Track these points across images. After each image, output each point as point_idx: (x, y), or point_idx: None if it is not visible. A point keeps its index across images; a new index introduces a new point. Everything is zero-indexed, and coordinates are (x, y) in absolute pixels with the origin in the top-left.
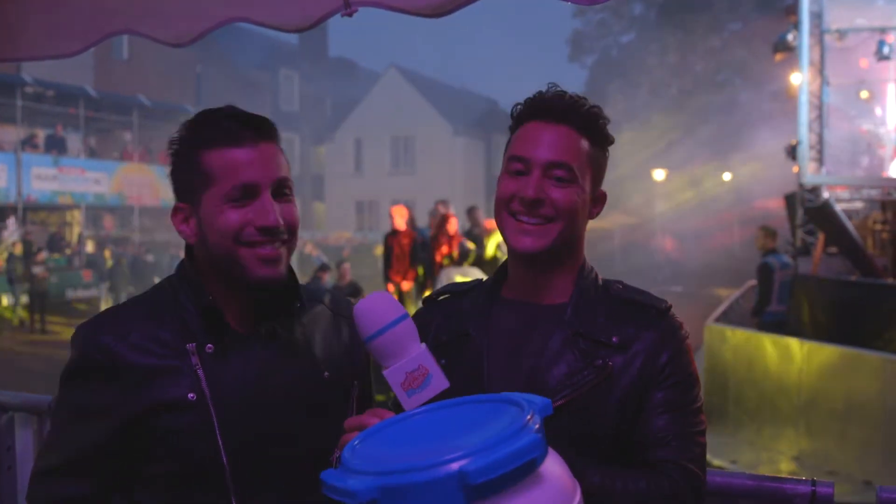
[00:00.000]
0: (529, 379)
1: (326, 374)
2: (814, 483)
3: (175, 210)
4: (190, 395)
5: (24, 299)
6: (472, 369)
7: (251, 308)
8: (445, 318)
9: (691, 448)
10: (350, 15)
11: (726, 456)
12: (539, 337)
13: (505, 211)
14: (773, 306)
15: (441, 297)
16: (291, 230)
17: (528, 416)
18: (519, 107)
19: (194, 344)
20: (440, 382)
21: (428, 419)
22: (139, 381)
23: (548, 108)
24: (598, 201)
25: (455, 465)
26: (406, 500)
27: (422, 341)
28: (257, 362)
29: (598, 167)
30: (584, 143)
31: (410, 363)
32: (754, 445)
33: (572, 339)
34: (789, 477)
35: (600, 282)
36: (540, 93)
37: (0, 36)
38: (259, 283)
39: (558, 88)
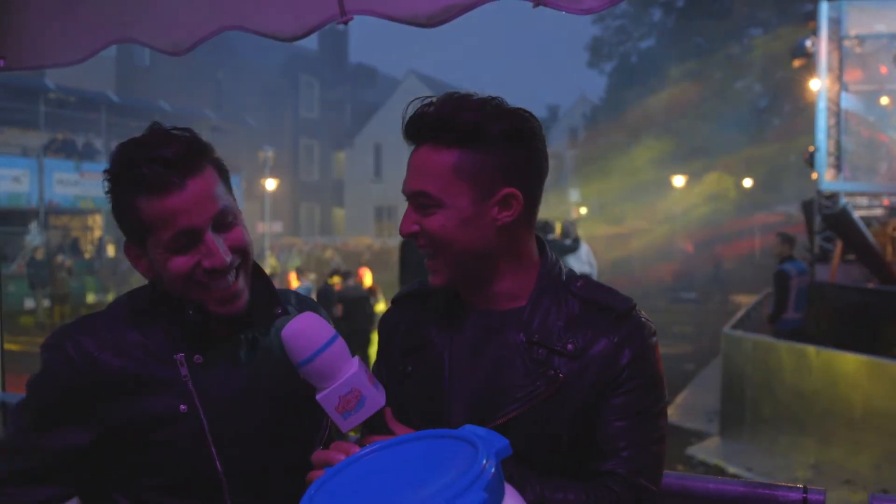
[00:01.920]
0: (484, 389)
1: None
2: (805, 490)
3: (126, 247)
4: (182, 407)
5: (46, 303)
6: (434, 377)
7: (232, 322)
8: (410, 322)
9: (643, 458)
10: (345, 23)
11: (742, 463)
12: (495, 345)
13: None
14: (789, 314)
15: (406, 300)
16: (243, 253)
17: (483, 464)
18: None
19: (182, 354)
20: (375, 401)
21: (383, 459)
22: (124, 388)
23: (409, 131)
24: (505, 204)
25: None
26: None
27: (390, 344)
28: (243, 370)
29: (478, 172)
30: (447, 157)
31: (343, 387)
32: (770, 453)
33: (527, 347)
34: (781, 483)
35: (564, 278)
36: (408, 112)
37: (12, 46)
38: (220, 319)
39: (423, 100)
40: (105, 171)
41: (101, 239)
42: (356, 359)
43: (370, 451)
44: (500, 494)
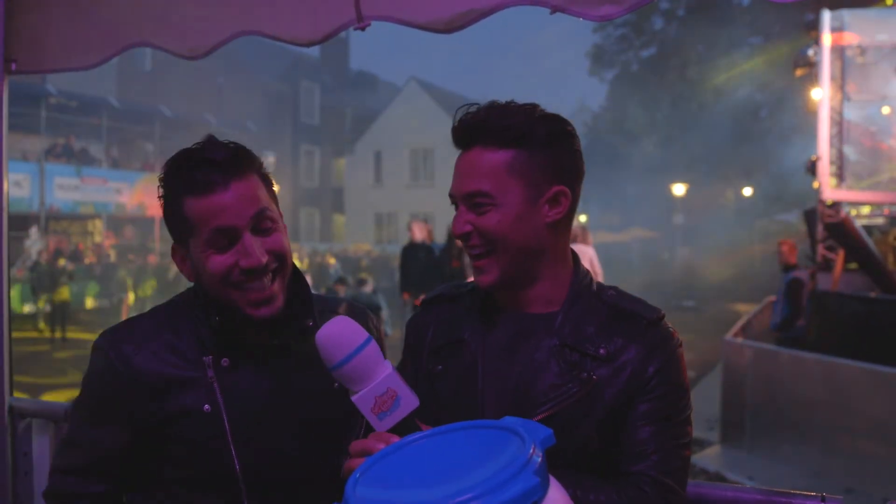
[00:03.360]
0: (518, 389)
1: (337, 385)
2: (823, 498)
3: (173, 250)
4: (206, 407)
5: (47, 307)
6: (467, 376)
7: (263, 329)
8: (441, 323)
9: (671, 461)
10: (363, 29)
11: (743, 472)
12: (529, 347)
13: (464, 249)
14: (801, 321)
15: (437, 301)
16: (280, 259)
17: (531, 451)
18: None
19: (211, 357)
20: (409, 402)
21: (428, 447)
22: (157, 389)
23: (458, 135)
24: (555, 201)
25: None
26: None
27: (419, 344)
28: (271, 376)
29: (534, 171)
30: (501, 156)
31: (378, 387)
32: (771, 462)
33: (560, 350)
34: (799, 492)
35: (594, 287)
36: (457, 117)
37: (23, 49)
38: (256, 322)
39: (469, 108)
40: (159, 178)
41: (98, 244)
42: (389, 361)
43: (415, 439)
44: (547, 482)
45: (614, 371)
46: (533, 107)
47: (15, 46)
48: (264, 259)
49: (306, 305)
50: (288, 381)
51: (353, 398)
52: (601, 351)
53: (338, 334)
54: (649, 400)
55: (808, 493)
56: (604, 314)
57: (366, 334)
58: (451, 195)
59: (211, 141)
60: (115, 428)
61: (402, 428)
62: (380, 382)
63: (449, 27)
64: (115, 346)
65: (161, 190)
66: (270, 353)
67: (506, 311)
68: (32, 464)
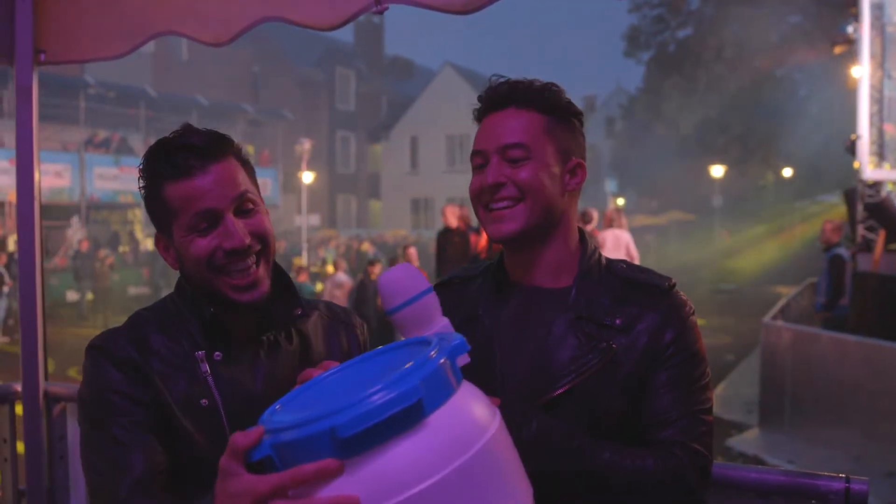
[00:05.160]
0: (536, 363)
1: None
2: (848, 480)
3: (156, 239)
4: (203, 402)
5: (90, 295)
6: (483, 352)
7: (252, 320)
8: (456, 303)
9: (696, 427)
10: (381, 12)
11: (782, 455)
12: (545, 321)
13: (479, 206)
14: (845, 300)
15: (451, 282)
16: (263, 240)
17: (431, 353)
18: (479, 104)
19: (203, 352)
20: (461, 358)
21: (350, 373)
22: (157, 388)
23: (491, 99)
24: (574, 172)
25: (327, 421)
26: (292, 456)
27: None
28: (263, 370)
29: (561, 139)
30: (536, 118)
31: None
32: (811, 445)
33: (576, 322)
34: (823, 473)
35: (604, 262)
36: (488, 86)
37: (52, 40)
38: (242, 307)
39: (500, 77)
40: (138, 167)
41: (131, 233)
42: (446, 318)
43: (338, 370)
44: (448, 387)
45: (631, 339)
46: (556, 85)
47: (44, 37)
48: (247, 240)
49: (291, 292)
50: (279, 375)
51: None
52: (617, 321)
53: (403, 277)
54: (668, 368)
55: (833, 475)
56: (617, 286)
57: (428, 284)
58: (478, 152)
59: (188, 127)
60: (129, 405)
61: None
62: (437, 332)
63: (465, 8)
64: (114, 343)
65: (141, 180)
66: (261, 345)
67: (519, 285)
68: (67, 448)
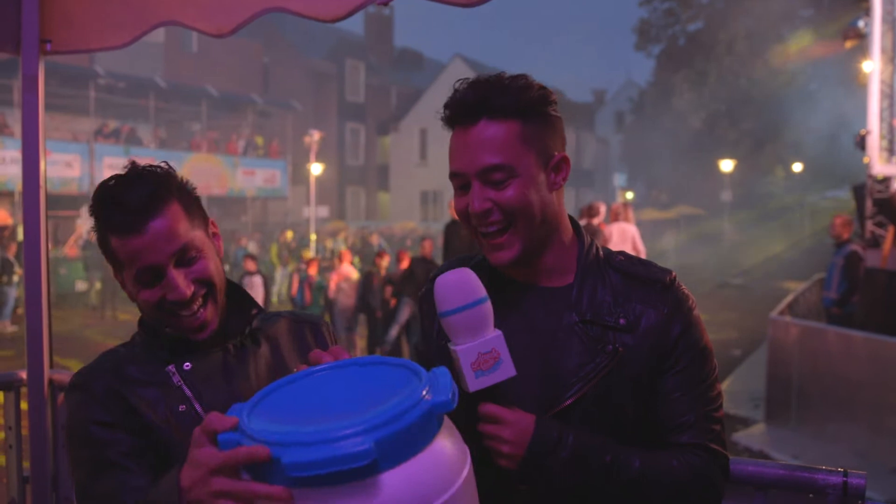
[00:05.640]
0: (543, 369)
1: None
2: (846, 474)
3: (114, 273)
4: (181, 407)
5: (99, 285)
6: None
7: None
8: None
9: (711, 428)
10: (386, 4)
11: (788, 451)
12: (548, 323)
13: (469, 228)
14: (856, 297)
15: None
16: (209, 284)
17: (423, 393)
18: (445, 112)
19: (172, 366)
20: (508, 370)
21: (325, 380)
22: (142, 408)
23: (459, 111)
24: (558, 168)
25: (280, 451)
26: (250, 469)
27: (428, 319)
28: (234, 375)
29: (540, 140)
30: (511, 126)
31: (485, 345)
32: (817, 441)
33: (580, 326)
34: (821, 467)
35: (602, 255)
36: (454, 93)
37: (58, 29)
38: (196, 344)
39: (466, 81)
40: (89, 209)
41: None
42: (499, 330)
43: (313, 371)
44: (411, 449)
45: (637, 338)
46: (525, 77)
47: (50, 26)
48: (188, 291)
49: (243, 298)
50: (250, 377)
51: (458, 348)
52: (621, 321)
53: (463, 281)
54: (678, 370)
55: (831, 469)
56: (617, 281)
57: (485, 292)
58: (456, 174)
59: (128, 177)
60: (119, 435)
61: (490, 396)
62: (488, 340)
63: (471, 0)
64: (92, 377)
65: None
66: (228, 352)
67: (516, 284)
68: None
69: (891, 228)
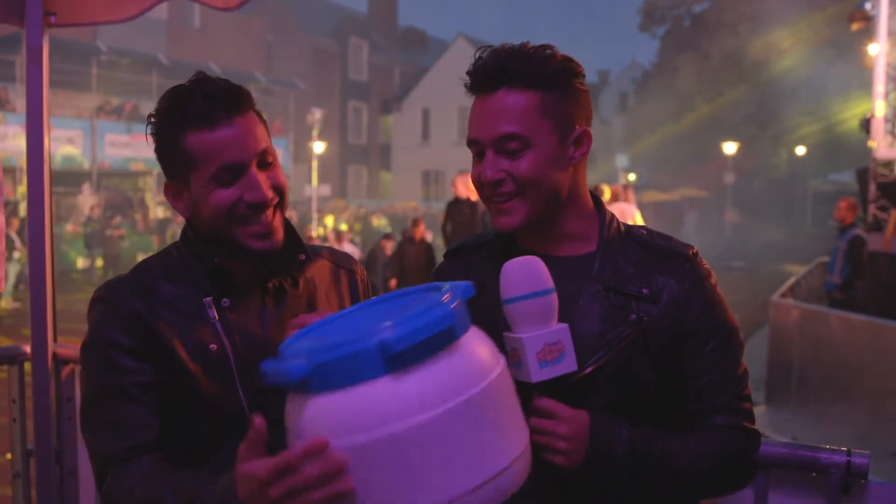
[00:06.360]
0: None
1: None
2: (849, 453)
3: (166, 187)
4: (212, 346)
5: (100, 262)
6: (487, 322)
7: (258, 268)
8: (464, 271)
9: (743, 407)
10: None
11: (788, 433)
12: (568, 292)
13: (482, 194)
14: (859, 281)
15: (462, 250)
16: (281, 193)
17: (445, 296)
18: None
19: (210, 298)
20: (571, 363)
21: (359, 314)
22: (165, 336)
23: (479, 78)
24: (579, 142)
25: (376, 337)
26: (335, 375)
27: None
28: (269, 317)
29: (560, 112)
30: (530, 96)
31: (552, 335)
32: (817, 423)
33: (603, 294)
34: (825, 446)
35: (623, 228)
36: (475, 60)
37: (62, 1)
38: (256, 254)
39: (489, 48)
40: (151, 115)
41: (142, 199)
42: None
43: (344, 313)
44: (463, 322)
45: (660, 310)
46: (550, 47)
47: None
48: (270, 193)
49: (295, 238)
50: (286, 319)
51: (524, 336)
52: (644, 291)
53: (531, 268)
54: (707, 350)
55: (834, 448)
56: (639, 253)
57: (553, 283)
58: (473, 141)
59: (206, 78)
60: (135, 362)
61: (550, 391)
62: (555, 331)
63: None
64: (119, 295)
65: (154, 126)
66: (267, 292)
67: (535, 254)
68: (75, 409)
69: (894, 212)
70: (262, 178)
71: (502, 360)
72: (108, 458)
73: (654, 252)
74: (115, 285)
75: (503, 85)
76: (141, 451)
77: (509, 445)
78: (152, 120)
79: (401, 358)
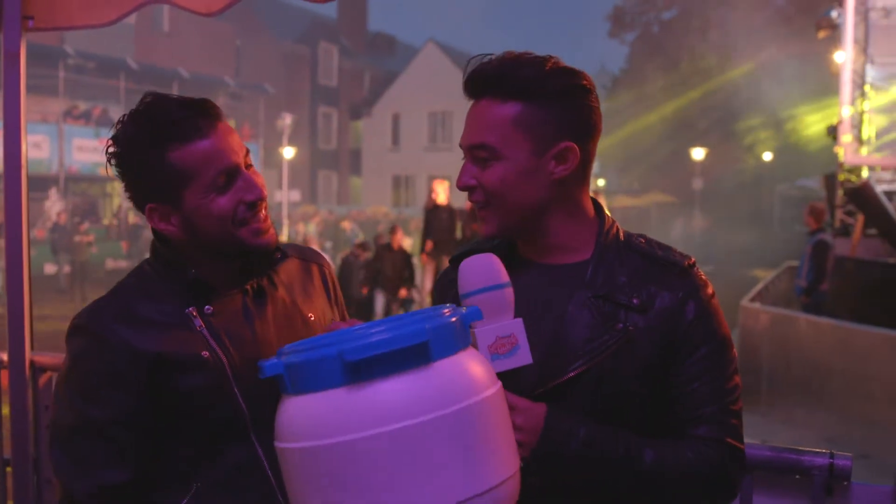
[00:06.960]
0: (552, 343)
1: (311, 316)
2: (832, 455)
3: (149, 211)
4: (203, 353)
5: (67, 268)
6: None
7: (235, 271)
8: None
9: (729, 421)
10: None
11: (758, 436)
12: (559, 298)
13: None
14: (825, 285)
15: (462, 258)
16: (262, 192)
17: (444, 311)
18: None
19: (193, 307)
20: (525, 356)
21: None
22: (152, 355)
23: (468, 85)
24: (562, 158)
25: (336, 347)
26: (302, 378)
27: (445, 301)
28: (253, 317)
29: (541, 126)
30: (508, 109)
31: (505, 328)
32: (787, 426)
33: (593, 301)
34: (808, 449)
35: (622, 237)
36: (465, 70)
37: (41, 5)
38: (258, 250)
39: (483, 58)
40: (117, 139)
41: (120, 206)
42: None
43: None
44: (454, 344)
45: (649, 320)
46: (547, 59)
47: (32, 3)
48: (264, 189)
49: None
50: (268, 320)
51: (476, 330)
52: (634, 301)
53: (486, 264)
54: (696, 359)
55: (818, 451)
56: (635, 262)
57: (508, 278)
58: (460, 146)
59: (164, 95)
60: (119, 395)
61: (507, 383)
62: (507, 325)
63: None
64: (101, 322)
65: (125, 155)
66: (247, 294)
67: (531, 263)
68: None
69: (860, 217)
70: (254, 176)
71: (495, 386)
72: (72, 495)
73: (650, 261)
74: (96, 311)
75: (487, 94)
76: (109, 494)
77: (484, 472)
78: (117, 150)
79: (359, 369)
